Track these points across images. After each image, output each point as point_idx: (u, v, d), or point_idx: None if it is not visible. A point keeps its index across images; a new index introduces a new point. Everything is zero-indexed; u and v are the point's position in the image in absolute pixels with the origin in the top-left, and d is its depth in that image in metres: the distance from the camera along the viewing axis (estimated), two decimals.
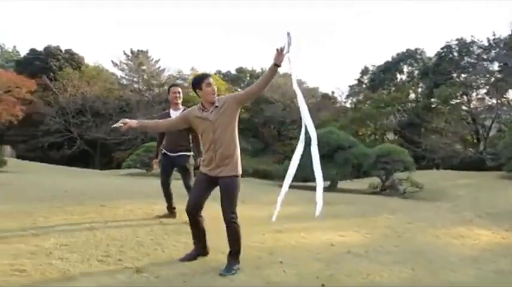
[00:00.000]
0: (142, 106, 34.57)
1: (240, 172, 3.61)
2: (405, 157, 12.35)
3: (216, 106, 3.48)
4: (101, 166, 30.14)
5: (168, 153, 5.29)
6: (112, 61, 37.70)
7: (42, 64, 35.22)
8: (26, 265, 3.36)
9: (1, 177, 10.19)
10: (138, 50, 36.98)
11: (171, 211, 5.53)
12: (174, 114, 5.10)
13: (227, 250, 4.30)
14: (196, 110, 3.58)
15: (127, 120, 3.53)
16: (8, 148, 26.57)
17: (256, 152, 30.87)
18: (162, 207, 5.69)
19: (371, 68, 38.19)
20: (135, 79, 36.82)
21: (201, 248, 3.87)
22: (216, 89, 3.54)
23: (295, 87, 3.47)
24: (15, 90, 25.80)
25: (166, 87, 38.60)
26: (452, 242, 5.53)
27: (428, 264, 4.38)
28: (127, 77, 37.26)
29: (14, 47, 49.03)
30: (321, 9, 74.02)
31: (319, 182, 3.31)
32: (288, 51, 3.23)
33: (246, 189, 10.91)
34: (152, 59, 37.56)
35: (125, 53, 36.80)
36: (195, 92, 3.61)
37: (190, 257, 3.77)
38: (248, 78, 45.20)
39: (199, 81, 3.57)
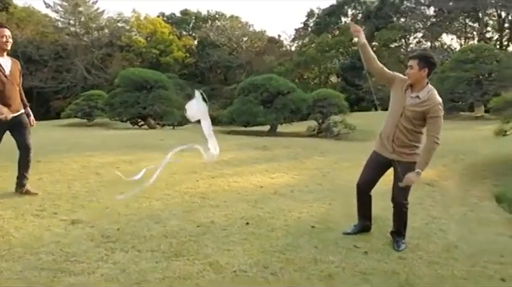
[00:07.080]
0: (81, 51, 32.82)
1: None
2: (340, 101, 13.21)
3: (418, 96, 3.20)
4: (38, 117, 28.82)
5: None
6: (44, 2, 34.86)
7: None
8: None
9: None
10: None
11: None
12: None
13: (160, 197, 4.62)
14: (404, 81, 3.30)
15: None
16: None
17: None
18: (98, 159, 5.80)
19: (317, 11, 38.23)
20: (71, 22, 34.50)
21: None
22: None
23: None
24: None
25: (106, 30, 36.84)
26: None
27: (344, 199, 4.86)
28: (62, 19, 34.79)
29: None
30: None
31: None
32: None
33: (187, 136, 11.10)
34: (89, 0, 35.20)
35: None
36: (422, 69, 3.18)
37: (356, 230, 3.78)
38: (194, 20, 43.67)
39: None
